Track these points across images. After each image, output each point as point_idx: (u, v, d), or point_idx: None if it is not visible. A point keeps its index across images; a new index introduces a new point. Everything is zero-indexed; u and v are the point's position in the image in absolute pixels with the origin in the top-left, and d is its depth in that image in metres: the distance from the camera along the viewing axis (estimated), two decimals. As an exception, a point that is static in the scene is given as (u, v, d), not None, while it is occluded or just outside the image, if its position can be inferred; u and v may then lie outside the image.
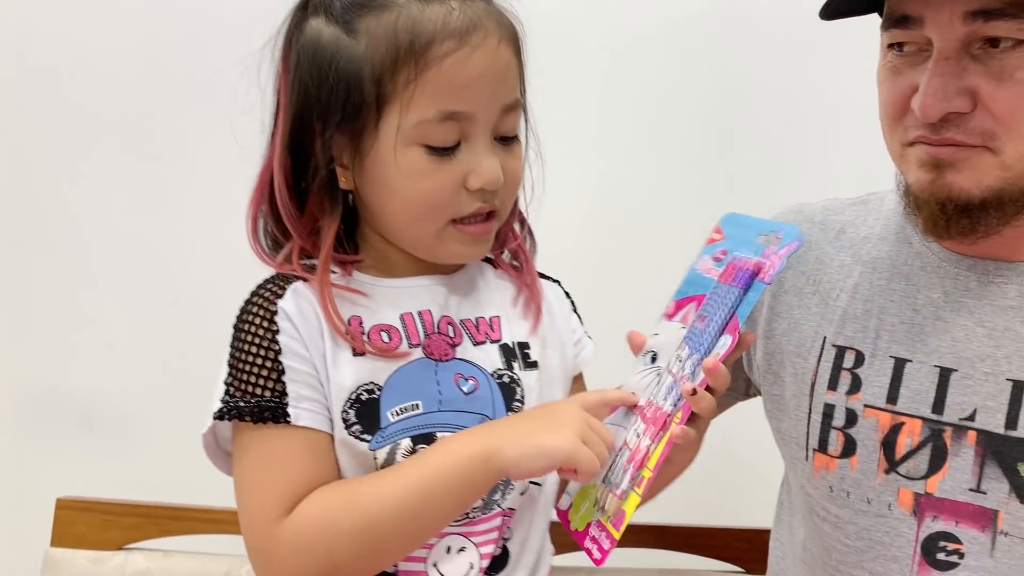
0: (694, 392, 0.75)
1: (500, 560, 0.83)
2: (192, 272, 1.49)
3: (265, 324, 0.76)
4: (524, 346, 0.86)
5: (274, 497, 0.74)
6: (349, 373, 0.77)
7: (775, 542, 1.05)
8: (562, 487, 0.86)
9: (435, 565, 0.80)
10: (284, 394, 0.75)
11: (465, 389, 0.81)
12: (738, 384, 1.05)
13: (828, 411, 0.91)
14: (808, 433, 0.92)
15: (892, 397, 0.87)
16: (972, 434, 0.83)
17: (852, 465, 0.89)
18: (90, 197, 1.50)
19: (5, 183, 1.51)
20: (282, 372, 0.75)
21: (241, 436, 0.77)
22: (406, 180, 0.76)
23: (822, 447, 0.91)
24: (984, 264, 0.86)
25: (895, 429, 0.87)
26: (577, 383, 0.93)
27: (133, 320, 1.51)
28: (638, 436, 0.77)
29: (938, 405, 0.85)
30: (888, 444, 0.87)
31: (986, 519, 0.82)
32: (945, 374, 0.85)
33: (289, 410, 0.75)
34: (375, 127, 0.75)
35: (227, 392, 0.76)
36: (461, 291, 0.85)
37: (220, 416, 0.76)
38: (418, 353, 0.80)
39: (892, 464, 0.86)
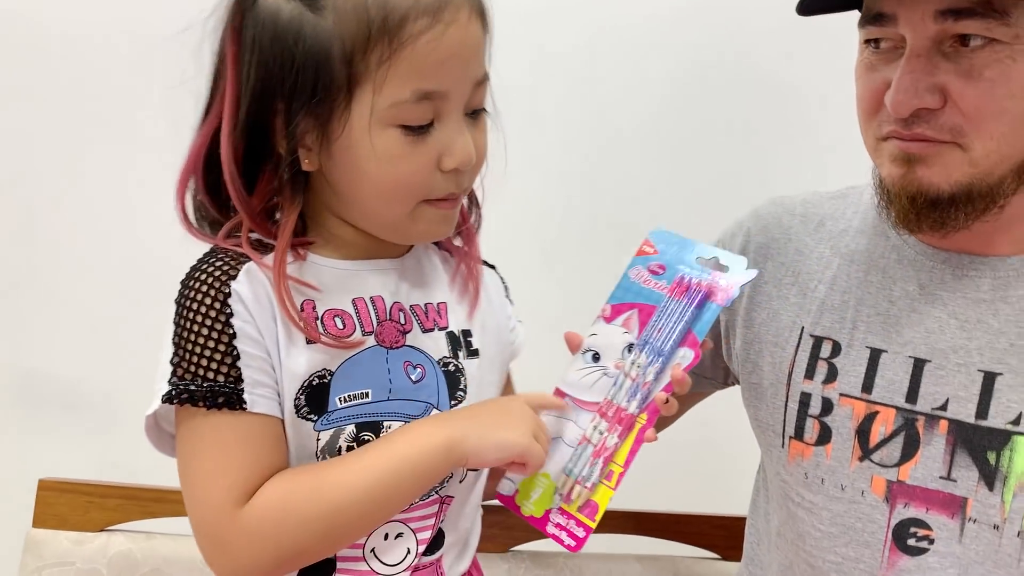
0: (667, 400, 0.82)
1: (435, 541, 0.83)
2: (176, 254, 1.48)
3: (217, 306, 0.73)
4: (467, 333, 0.86)
5: (229, 485, 0.72)
6: (303, 361, 0.75)
7: (750, 528, 1.06)
8: (499, 473, 0.86)
9: (373, 551, 0.79)
10: (240, 380, 0.72)
11: (413, 377, 0.80)
12: (716, 372, 1.07)
13: (804, 399, 0.92)
14: (785, 421, 0.94)
15: (867, 386, 0.89)
16: (944, 423, 0.85)
17: (827, 452, 0.90)
18: (73, 180, 1.49)
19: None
20: (237, 357, 0.72)
21: (191, 421, 0.73)
22: (381, 163, 0.74)
23: (798, 435, 0.93)
24: (959, 258, 0.88)
25: (869, 418, 0.88)
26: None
27: (116, 303, 1.50)
28: (601, 433, 0.82)
29: (912, 395, 0.87)
30: (862, 432, 0.88)
31: (955, 506, 0.84)
32: (919, 364, 0.87)
33: (245, 396, 0.72)
34: (346, 108, 0.72)
35: (175, 374, 0.72)
36: (411, 276, 0.84)
37: (169, 399, 0.72)
38: (371, 341, 0.78)
39: (866, 452, 0.88)
